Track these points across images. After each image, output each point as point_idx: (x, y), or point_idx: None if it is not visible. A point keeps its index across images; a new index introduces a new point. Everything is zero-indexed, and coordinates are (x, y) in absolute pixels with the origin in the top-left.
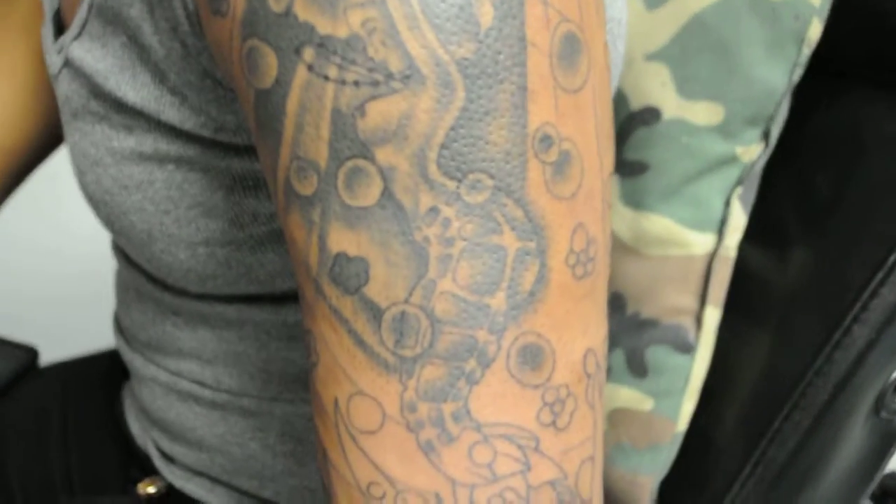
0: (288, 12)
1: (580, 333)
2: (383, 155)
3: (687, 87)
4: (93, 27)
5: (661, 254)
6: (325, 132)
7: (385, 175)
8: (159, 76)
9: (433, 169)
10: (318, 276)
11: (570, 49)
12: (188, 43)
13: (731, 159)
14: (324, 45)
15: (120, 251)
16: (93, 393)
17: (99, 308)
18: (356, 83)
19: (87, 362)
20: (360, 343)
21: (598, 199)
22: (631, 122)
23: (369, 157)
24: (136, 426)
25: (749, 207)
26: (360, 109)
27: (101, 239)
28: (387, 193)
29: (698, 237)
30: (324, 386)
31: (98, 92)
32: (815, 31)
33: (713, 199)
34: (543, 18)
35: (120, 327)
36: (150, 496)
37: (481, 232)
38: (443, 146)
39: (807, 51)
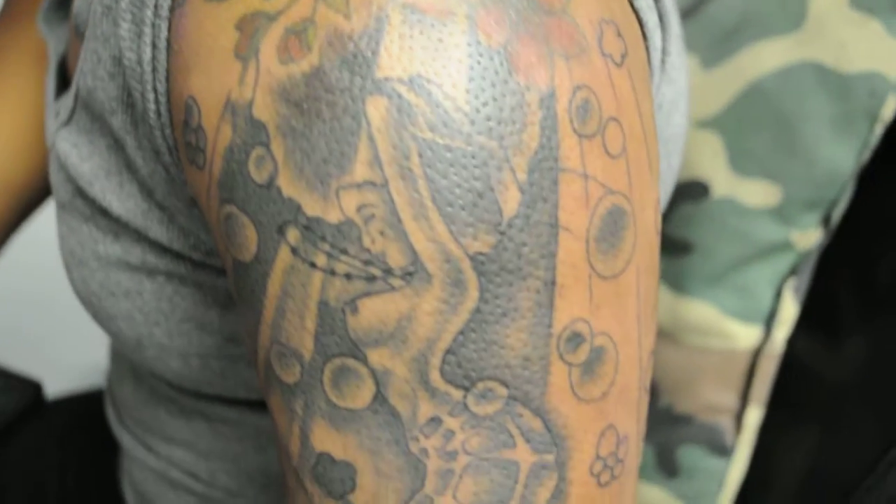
0: (270, 184)
1: None
2: (377, 357)
3: (741, 163)
4: (81, 119)
5: (701, 344)
6: (311, 324)
7: (378, 378)
8: (146, 190)
9: (435, 376)
10: (299, 468)
11: (612, 227)
12: (171, 171)
13: (786, 246)
14: (311, 228)
15: None
16: (92, 449)
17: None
18: (348, 276)
19: (86, 406)
20: None
21: (633, 390)
22: (677, 195)
23: (360, 358)
24: (132, 501)
25: (802, 297)
26: (352, 305)
27: None
28: (379, 398)
29: (743, 329)
30: None
31: (83, 194)
32: (891, 109)
33: (762, 288)
34: (582, 196)
35: (112, 396)
36: None
37: (490, 446)
38: (448, 352)
39: (879, 130)
